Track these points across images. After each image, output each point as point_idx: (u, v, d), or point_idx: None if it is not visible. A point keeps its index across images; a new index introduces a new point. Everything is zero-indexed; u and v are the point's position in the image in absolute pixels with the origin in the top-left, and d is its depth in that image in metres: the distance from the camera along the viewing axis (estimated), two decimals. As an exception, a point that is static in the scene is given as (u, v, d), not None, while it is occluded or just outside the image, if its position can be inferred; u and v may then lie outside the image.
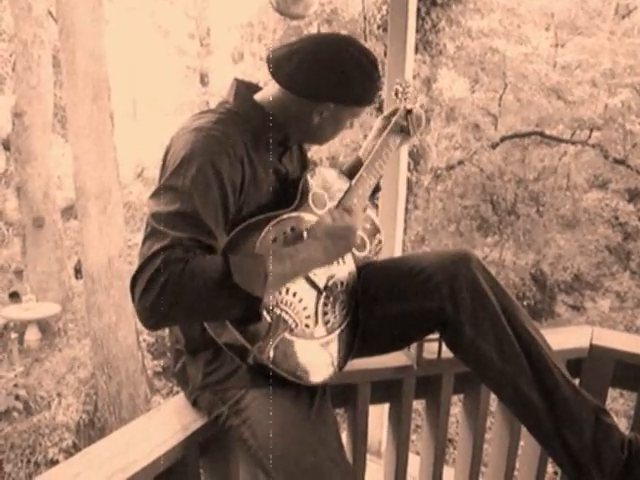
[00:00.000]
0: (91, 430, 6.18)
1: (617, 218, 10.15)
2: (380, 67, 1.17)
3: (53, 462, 5.64)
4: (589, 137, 10.00)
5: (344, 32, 8.58)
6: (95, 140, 5.84)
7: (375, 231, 1.33)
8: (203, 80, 12.19)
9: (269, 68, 1.14)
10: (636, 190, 10.28)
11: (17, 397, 6.06)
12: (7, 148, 8.99)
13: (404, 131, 1.37)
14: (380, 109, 5.85)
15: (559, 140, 10.26)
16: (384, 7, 7.73)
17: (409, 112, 1.36)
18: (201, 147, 1.03)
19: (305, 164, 1.32)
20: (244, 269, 0.97)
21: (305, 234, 1.11)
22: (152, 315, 0.95)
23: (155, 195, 1.03)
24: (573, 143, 10.18)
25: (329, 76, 1.11)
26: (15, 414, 5.97)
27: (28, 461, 5.71)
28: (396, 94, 1.37)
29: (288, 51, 1.13)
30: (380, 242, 1.34)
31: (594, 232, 10.14)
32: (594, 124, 9.59)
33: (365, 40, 7.95)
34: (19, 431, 5.85)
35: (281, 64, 1.13)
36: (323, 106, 1.13)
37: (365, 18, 8.14)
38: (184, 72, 12.22)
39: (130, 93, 12.05)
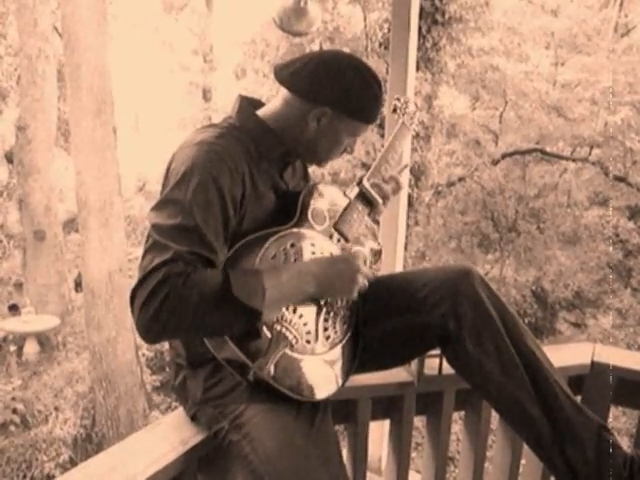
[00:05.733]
0: (88, 445, 6.13)
1: (618, 235, 10.15)
2: (383, 85, 1.18)
3: (49, 477, 5.58)
4: (589, 154, 10.04)
5: (346, 49, 8.67)
6: (98, 154, 5.88)
7: (375, 248, 1.33)
8: (206, 96, 12.30)
9: (275, 72, 1.16)
10: (637, 207, 10.29)
11: (14, 410, 6.01)
12: (10, 161, 9.04)
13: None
14: (381, 126, 5.88)
15: (559, 157, 10.31)
16: (386, 25, 7.82)
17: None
18: (203, 161, 1.04)
19: (307, 180, 1.33)
20: (244, 283, 0.97)
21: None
22: (152, 328, 0.95)
23: (157, 208, 1.03)
24: (573, 160, 10.23)
25: (331, 80, 1.12)
26: (12, 428, 5.92)
27: (24, 476, 5.65)
28: (394, 110, 1.39)
29: (296, 58, 1.17)
30: (380, 258, 1.34)
31: (595, 249, 10.13)
32: (594, 141, 9.64)
33: (367, 58, 8.04)
34: (15, 445, 5.79)
35: (285, 67, 1.16)
36: (321, 110, 1.13)
37: (367, 36, 8.24)
38: (187, 88, 12.33)
39: (133, 108, 12.14)
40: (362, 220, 1.27)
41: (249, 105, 1.20)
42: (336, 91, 1.12)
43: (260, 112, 1.19)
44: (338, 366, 1.16)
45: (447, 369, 1.31)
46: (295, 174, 1.27)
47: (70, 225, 9.37)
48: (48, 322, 7.11)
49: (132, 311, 0.95)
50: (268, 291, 0.99)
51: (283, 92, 1.16)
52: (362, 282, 1.10)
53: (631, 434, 5.81)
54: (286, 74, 1.15)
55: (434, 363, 1.38)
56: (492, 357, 1.16)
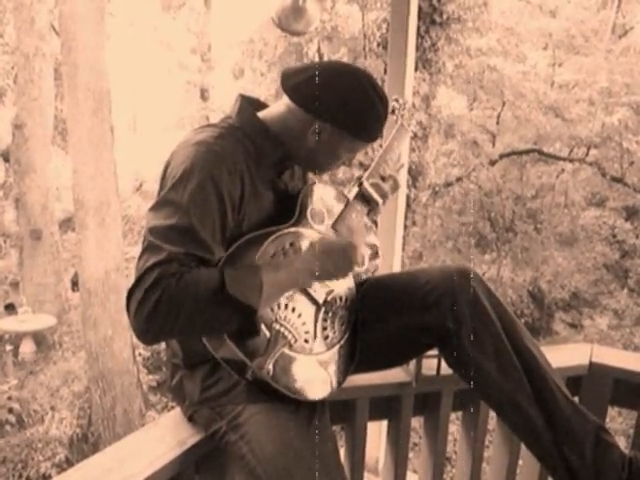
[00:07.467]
0: (84, 445, 6.12)
1: (615, 236, 10.18)
2: (388, 103, 1.16)
3: (45, 477, 5.58)
4: (586, 155, 10.07)
5: (344, 49, 8.67)
6: (95, 153, 5.86)
7: (373, 247, 1.33)
8: (203, 95, 12.27)
9: (281, 80, 1.15)
10: (633, 208, 10.32)
11: (10, 410, 6.01)
12: (7, 160, 9.01)
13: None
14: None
15: (557, 158, 10.32)
16: (384, 25, 7.82)
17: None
18: (201, 162, 1.03)
19: (305, 181, 1.33)
20: (239, 280, 0.97)
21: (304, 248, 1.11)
22: (148, 330, 0.94)
23: (154, 208, 1.03)
24: (571, 161, 10.24)
25: (334, 96, 1.12)
26: (8, 427, 5.91)
27: (20, 476, 5.64)
28: (393, 111, 1.38)
29: (304, 67, 1.15)
30: (378, 258, 1.34)
31: (592, 250, 10.16)
32: (591, 142, 9.66)
33: (365, 57, 8.03)
34: (11, 445, 5.79)
35: (292, 76, 1.15)
36: (321, 125, 1.12)
37: (365, 36, 8.23)
38: (185, 87, 12.30)
39: (131, 107, 12.11)
40: (361, 219, 1.27)
41: (249, 105, 1.19)
42: (338, 109, 1.12)
43: (261, 114, 1.18)
44: (336, 366, 1.16)
45: (445, 370, 1.31)
46: (294, 175, 1.27)
47: (67, 224, 9.34)
48: (44, 321, 7.09)
49: (128, 313, 0.95)
50: (265, 289, 0.99)
51: (286, 98, 1.15)
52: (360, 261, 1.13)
53: (628, 435, 5.83)
54: (291, 84, 1.14)
55: (432, 363, 1.38)
56: (490, 357, 1.16)
